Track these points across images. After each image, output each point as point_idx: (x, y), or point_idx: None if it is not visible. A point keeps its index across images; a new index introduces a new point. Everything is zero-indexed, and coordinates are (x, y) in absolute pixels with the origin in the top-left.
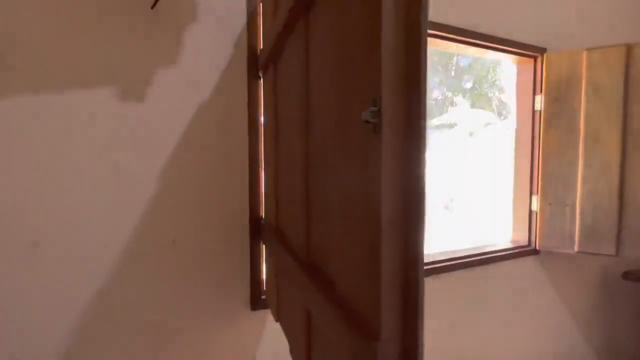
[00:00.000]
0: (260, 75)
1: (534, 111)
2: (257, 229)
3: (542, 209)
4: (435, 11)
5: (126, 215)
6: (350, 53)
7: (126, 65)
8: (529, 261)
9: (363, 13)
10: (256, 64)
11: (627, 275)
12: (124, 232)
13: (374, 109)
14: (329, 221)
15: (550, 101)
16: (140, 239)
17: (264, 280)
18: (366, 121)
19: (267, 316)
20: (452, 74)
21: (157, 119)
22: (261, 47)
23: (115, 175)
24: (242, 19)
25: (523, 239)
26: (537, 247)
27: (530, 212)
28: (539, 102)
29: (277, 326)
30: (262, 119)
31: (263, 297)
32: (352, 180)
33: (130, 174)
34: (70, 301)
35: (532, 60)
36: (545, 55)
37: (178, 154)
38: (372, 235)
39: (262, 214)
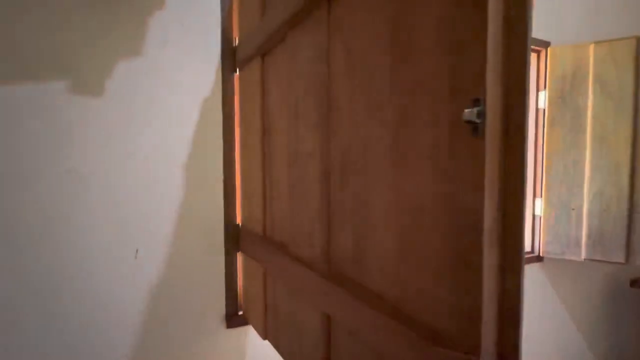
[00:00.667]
0: (237, 69)
1: (537, 109)
2: (233, 238)
3: (546, 213)
4: None
5: (81, 223)
6: (421, 49)
7: (81, 55)
8: (531, 269)
9: (444, 5)
10: (232, 56)
11: (635, 283)
12: (79, 241)
13: (478, 109)
14: (373, 230)
15: (554, 98)
16: (98, 249)
17: (241, 295)
18: (468, 122)
19: (247, 334)
20: None
21: (118, 115)
22: (238, 37)
23: (69, 178)
24: (216, 8)
25: (525, 245)
26: (540, 254)
27: (534, 216)
28: (542, 99)
29: (261, 346)
30: (237, 116)
31: (240, 312)
32: (426, 186)
33: (86, 176)
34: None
35: (534, 54)
36: (548, 49)
37: (141, 154)
38: (465, 243)
39: (239, 221)
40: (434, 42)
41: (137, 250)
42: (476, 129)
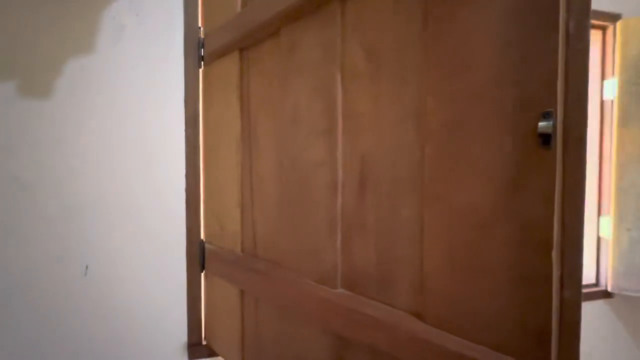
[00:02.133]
0: (202, 63)
1: (602, 101)
2: (196, 256)
3: (616, 236)
4: None
5: (24, 234)
6: (475, 58)
7: (27, 52)
8: (597, 307)
9: (506, 13)
10: (197, 48)
11: None
12: (21, 253)
13: (551, 122)
14: (407, 245)
15: (627, 86)
16: (43, 263)
17: (205, 321)
18: (542, 134)
19: None
20: None
21: (68, 119)
22: (204, 27)
23: (14, 187)
24: None
25: (588, 277)
26: (608, 288)
27: (599, 239)
28: (611, 88)
29: None
30: (203, 116)
31: (204, 342)
32: (484, 198)
33: (31, 184)
34: None
35: (599, 31)
36: (619, 23)
37: (93, 160)
38: (533, 257)
39: (203, 236)
40: (494, 52)
41: (86, 267)
42: (548, 141)
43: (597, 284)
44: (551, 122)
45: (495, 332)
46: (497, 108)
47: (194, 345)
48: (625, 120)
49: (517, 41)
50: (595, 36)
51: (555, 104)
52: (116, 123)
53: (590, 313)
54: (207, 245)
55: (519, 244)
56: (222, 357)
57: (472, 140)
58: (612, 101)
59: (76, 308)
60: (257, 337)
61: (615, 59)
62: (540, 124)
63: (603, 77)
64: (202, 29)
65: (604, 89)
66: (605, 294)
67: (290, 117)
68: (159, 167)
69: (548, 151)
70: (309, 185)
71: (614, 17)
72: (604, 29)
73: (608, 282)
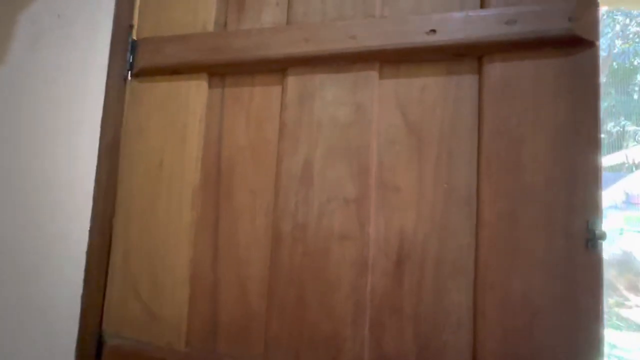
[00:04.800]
0: (130, 75)
1: None
2: (91, 355)
3: None
4: None
5: None
6: (530, 159)
7: None
8: None
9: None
10: (125, 53)
11: None
12: None
13: (601, 230)
14: (454, 331)
15: None
16: None
17: None
18: (592, 238)
19: None
20: (635, 96)
21: None
22: (138, 29)
23: None
24: None
25: None
26: None
27: None
28: None
29: None
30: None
31: None
32: (539, 286)
33: None
34: None
35: None
36: None
37: None
38: (585, 341)
39: (106, 324)
40: (546, 160)
41: None
42: (595, 244)
43: None
44: (603, 230)
45: None
46: (549, 208)
47: None
48: None
49: (564, 155)
50: None
51: (601, 214)
52: (17, 155)
53: None
54: (109, 340)
55: (571, 330)
56: None
57: (526, 233)
58: None
59: None
60: None
61: None
62: (597, 231)
63: None
64: (135, 28)
65: None
66: None
67: (298, 176)
68: (61, 218)
69: (596, 251)
70: (325, 260)
71: None
72: None
73: None
